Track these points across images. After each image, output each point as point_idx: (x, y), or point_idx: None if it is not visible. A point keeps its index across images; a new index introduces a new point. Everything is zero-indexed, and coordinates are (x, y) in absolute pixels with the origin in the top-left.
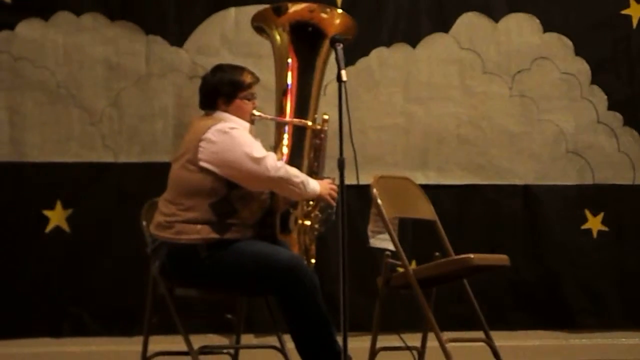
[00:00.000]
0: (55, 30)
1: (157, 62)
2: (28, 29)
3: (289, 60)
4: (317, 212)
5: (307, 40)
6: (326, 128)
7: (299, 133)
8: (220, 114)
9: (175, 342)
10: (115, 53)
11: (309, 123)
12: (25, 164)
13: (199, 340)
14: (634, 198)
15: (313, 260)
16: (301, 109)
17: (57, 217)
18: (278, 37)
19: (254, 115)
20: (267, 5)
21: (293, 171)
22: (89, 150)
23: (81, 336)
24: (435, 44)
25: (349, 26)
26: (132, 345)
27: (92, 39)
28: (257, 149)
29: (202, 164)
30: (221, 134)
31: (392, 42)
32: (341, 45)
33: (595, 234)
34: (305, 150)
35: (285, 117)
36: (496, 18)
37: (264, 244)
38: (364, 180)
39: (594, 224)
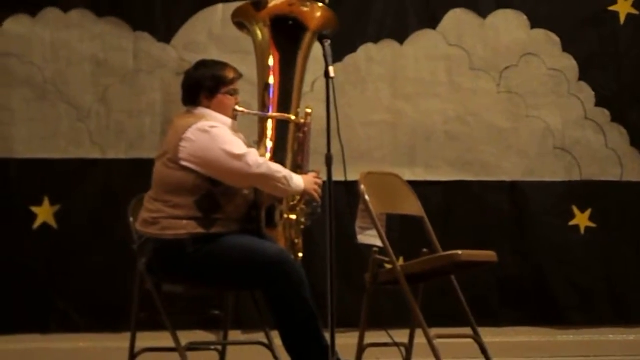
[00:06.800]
0: (42, 27)
1: (144, 59)
2: (15, 25)
3: (271, 55)
4: (302, 206)
5: (288, 34)
6: (309, 121)
7: (282, 127)
8: (201, 110)
9: (163, 339)
10: (102, 49)
11: (292, 117)
12: (13, 160)
13: (186, 337)
14: (621, 194)
15: (300, 254)
16: (284, 104)
17: (44, 213)
18: (259, 32)
19: (236, 110)
20: (247, 1)
21: (275, 167)
22: (77, 147)
23: (68, 332)
24: (422, 41)
25: (329, 19)
26: (119, 342)
27: (80, 35)
28: (237, 146)
29: (184, 162)
30: (201, 133)
31: (379, 39)
32: (329, 41)
33: (582, 230)
34: (289, 144)
35: (267, 111)
36: (484, 14)
37: (251, 238)
38: (351, 177)
39: (582, 220)
